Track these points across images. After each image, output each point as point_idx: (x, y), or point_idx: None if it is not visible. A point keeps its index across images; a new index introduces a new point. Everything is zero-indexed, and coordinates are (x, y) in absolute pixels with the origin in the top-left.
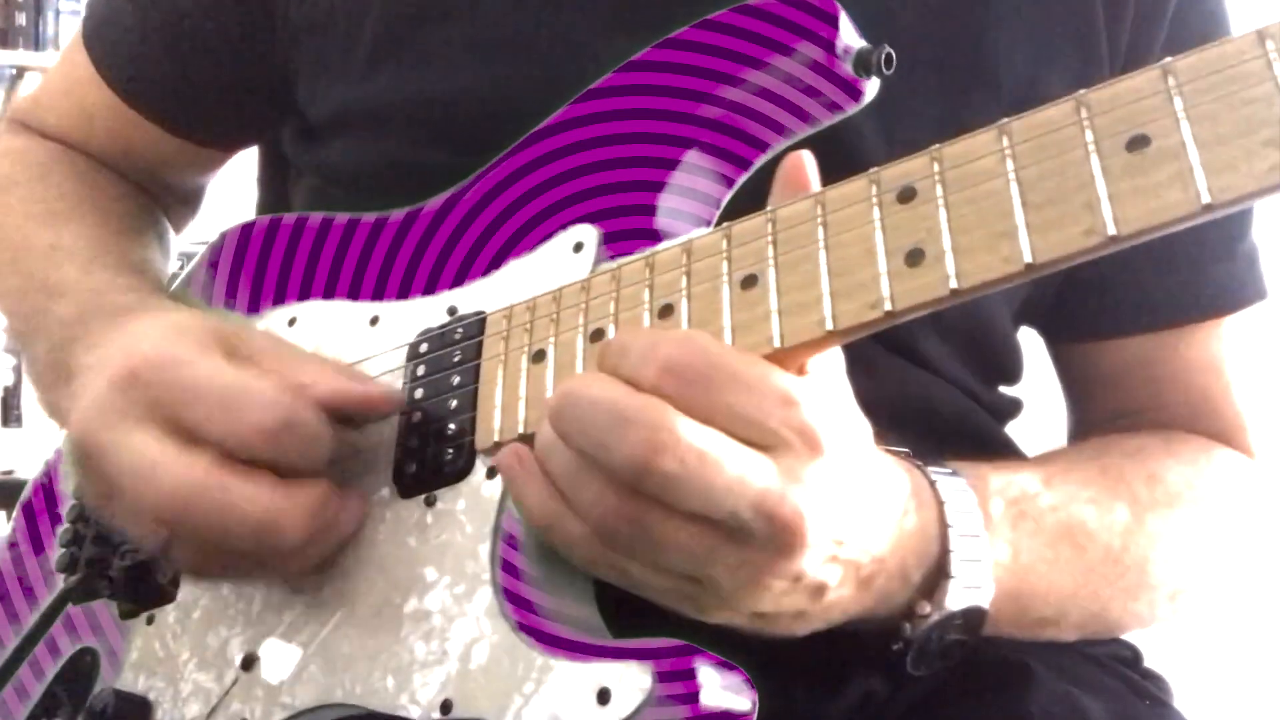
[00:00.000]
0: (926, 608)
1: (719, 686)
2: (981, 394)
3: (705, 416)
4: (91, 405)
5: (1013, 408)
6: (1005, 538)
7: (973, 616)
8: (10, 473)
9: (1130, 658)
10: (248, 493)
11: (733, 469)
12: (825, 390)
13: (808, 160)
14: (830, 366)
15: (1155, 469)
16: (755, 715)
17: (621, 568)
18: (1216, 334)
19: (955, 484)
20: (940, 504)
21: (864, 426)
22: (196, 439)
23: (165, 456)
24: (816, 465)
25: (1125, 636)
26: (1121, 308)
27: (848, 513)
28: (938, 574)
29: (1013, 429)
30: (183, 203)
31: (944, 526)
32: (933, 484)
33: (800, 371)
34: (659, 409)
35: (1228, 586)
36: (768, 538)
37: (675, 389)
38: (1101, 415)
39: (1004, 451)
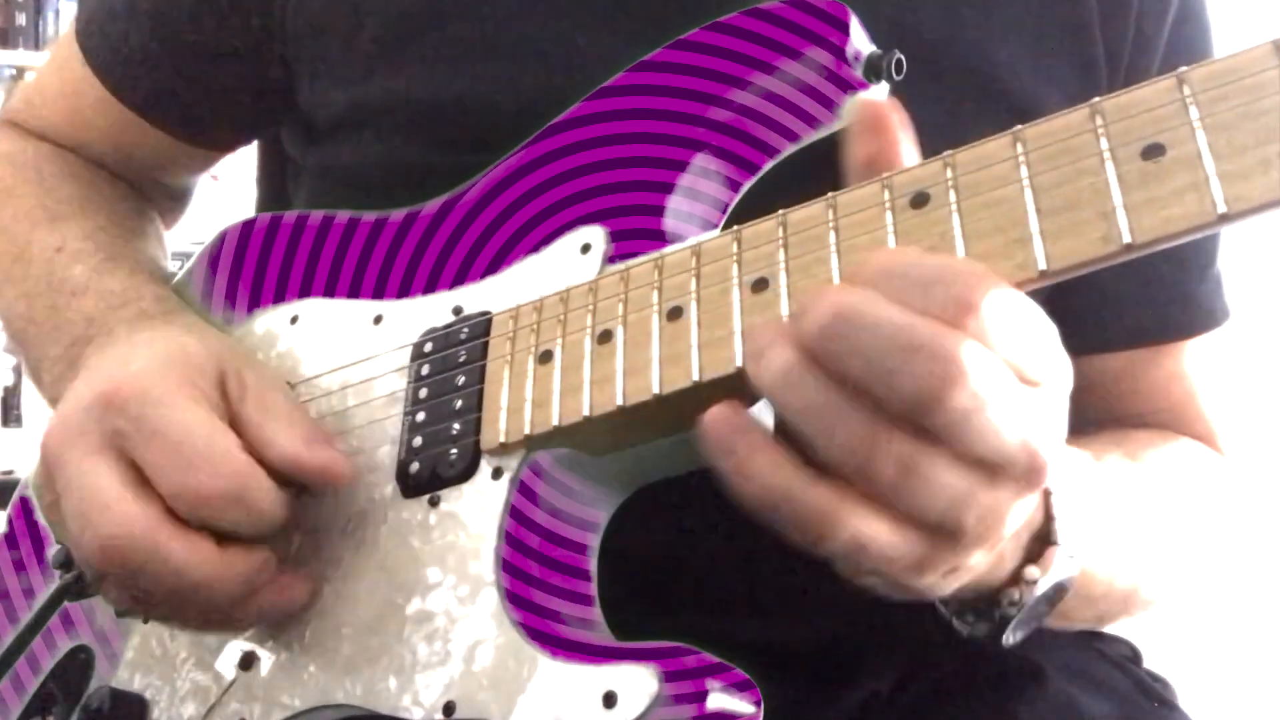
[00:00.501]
0: (1035, 573)
1: (724, 688)
2: None
3: (989, 349)
4: (64, 417)
5: None
6: (1080, 508)
7: (1063, 585)
8: (10, 473)
9: (1131, 656)
10: (183, 553)
11: (1014, 407)
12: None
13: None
14: None
15: (1154, 455)
16: (760, 716)
17: (862, 533)
18: (1187, 350)
19: None
20: None
21: None
22: (150, 481)
23: (114, 495)
24: (1058, 405)
25: (1124, 636)
26: (1103, 327)
27: None
28: (1042, 540)
29: None
30: (173, 201)
31: (1046, 492)
32: None
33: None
34: (954, 338)
35: (1207, 574)
36: (1022, 475)
37: (963, 320)
38: (1075, 424)
39: None
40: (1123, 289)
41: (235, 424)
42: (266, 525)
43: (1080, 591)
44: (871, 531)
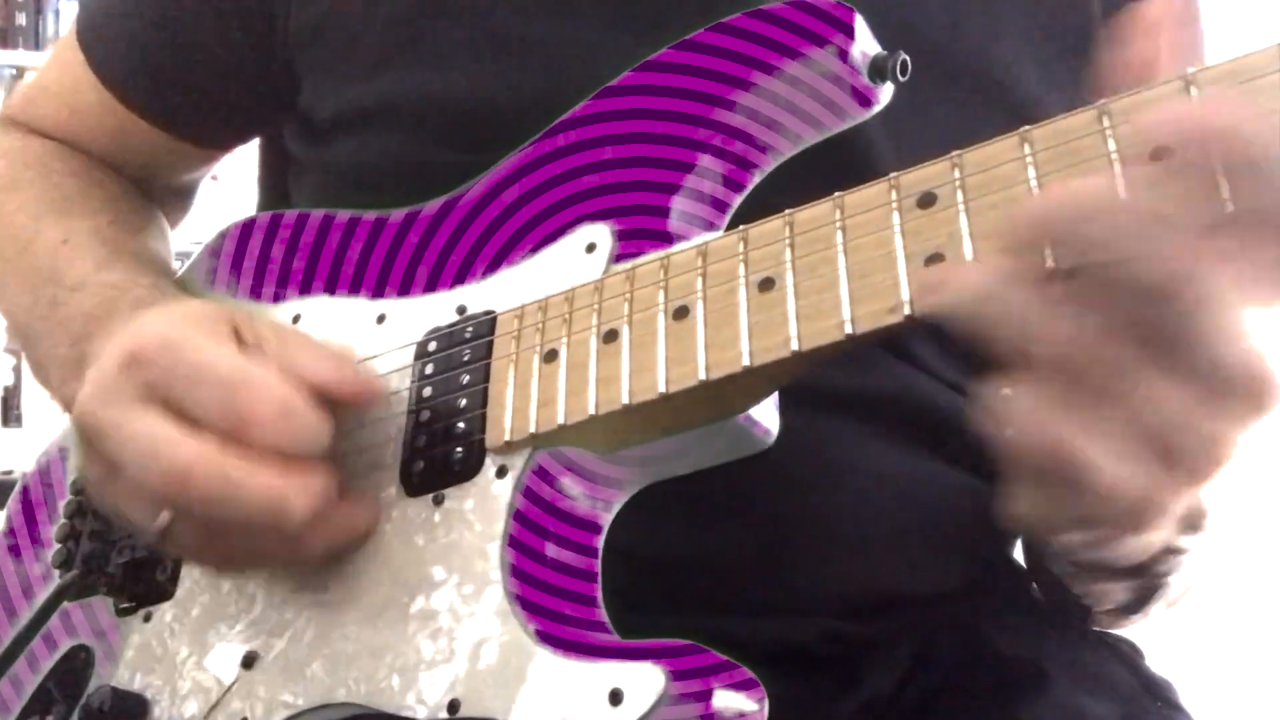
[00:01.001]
0: (1188, 544)
1: (730, 686)
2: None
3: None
4: (94, 385)
5: None
6: None
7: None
8: (10, 473)
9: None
10: (250, 470)
11: (1243, 319)
12: None
13: None
14: None
15: None
16: (765, 713)
17: (1090, 457)
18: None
19: None
20: None
21: None
22: (198, 422)
23: (169, 435)
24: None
25: (1126, 635)
26: None
27: None
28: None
29: None
30: (177, 199)
31: None
32: None
33: None
34: (1196, 234)
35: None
36: (1247, 397)
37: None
38: None
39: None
40: None
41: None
42: (319, 442)
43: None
44: (1099, 456)
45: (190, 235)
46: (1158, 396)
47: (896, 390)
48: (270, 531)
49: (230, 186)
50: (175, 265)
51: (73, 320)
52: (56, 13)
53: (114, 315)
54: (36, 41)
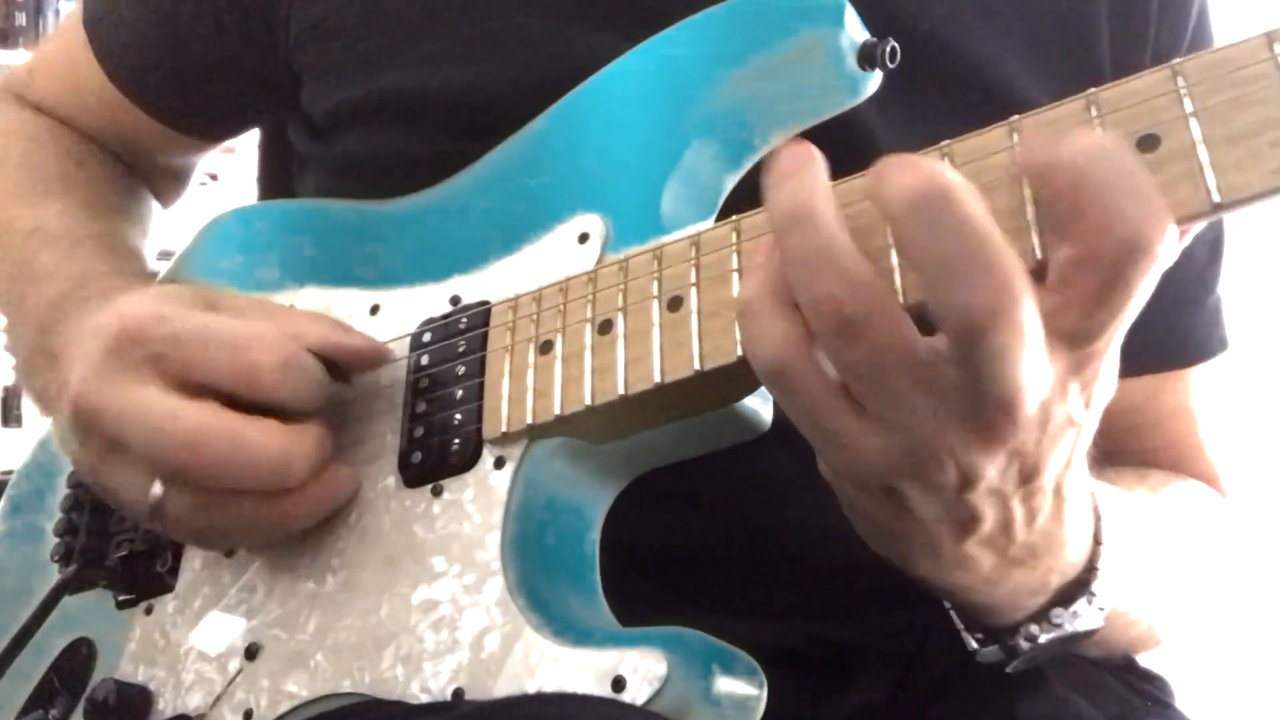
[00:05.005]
0: (1062, 617)
1: (731, 672)
2: None
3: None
4: (87, 367)
5: None
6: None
7: (1086, 634)
8: (10, 473)
9: (1124, 662)
10: (259, 430)
11: (1031, 362)
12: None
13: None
14: None
15: (1168, 494)
16: (765, 698)
17: (844, 427)
18: (1188, 383)
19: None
20: (1098, 519)
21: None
22: (200, 389)
23: (176, 404)
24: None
25: None
26: None
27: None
28: (1078, 586)
29: None
30: (172, 179)
31: (1096, 541)
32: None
33: None
34: (1023, 271)
35: (1203, 611)
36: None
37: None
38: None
39: None
40: None
41: None
42: (320, 391)
43: (1099, 634)
44: (853, 434)
45: (190, 235)
46: (915, 407)
47: None
48: (268, 494)
49: (230, 186)
50: (168, 251)
51: (38, 310)
52: (57, 13)
53: (81, 304)
54: (37, 41)
